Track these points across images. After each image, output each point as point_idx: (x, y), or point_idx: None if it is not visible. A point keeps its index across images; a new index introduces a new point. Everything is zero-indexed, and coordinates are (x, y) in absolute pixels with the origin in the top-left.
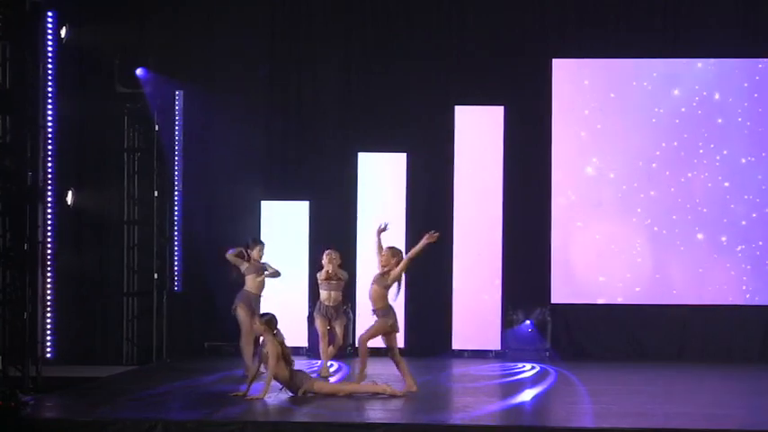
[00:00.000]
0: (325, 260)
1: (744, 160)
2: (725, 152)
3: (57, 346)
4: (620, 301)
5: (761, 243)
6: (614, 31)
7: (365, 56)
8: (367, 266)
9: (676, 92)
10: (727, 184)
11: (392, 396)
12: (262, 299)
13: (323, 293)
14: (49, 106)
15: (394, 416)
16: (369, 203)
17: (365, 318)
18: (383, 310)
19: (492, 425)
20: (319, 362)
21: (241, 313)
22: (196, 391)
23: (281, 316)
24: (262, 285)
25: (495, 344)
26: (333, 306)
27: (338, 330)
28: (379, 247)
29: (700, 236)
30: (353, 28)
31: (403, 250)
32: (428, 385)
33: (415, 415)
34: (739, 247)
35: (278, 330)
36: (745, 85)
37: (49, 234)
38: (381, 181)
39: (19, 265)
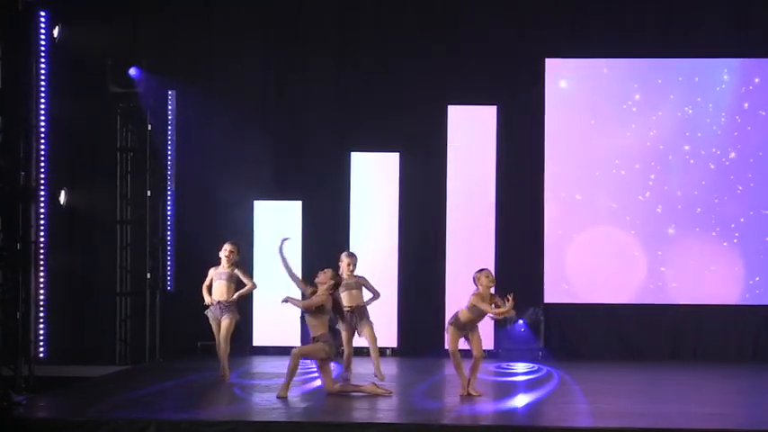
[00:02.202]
0: (342, 264)
1: (738, 160)
2: (718, 152)
3: (49, 346)
4: (613, 300)
5: (753, 242)
6: (607, 31)
7: (358, 55)
8: (361, 266)
9: (669, 91)
10: (720, 184)
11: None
12: (229, 304)
13: (343, 296)
14: (42, 106)
15: (386, 415)
16: (361, 203)
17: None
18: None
19: (484, 425)
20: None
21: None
22: (189, 391)
23: (274, 316)
24: (219, 290)
25: (488, 343)
26: (353, 308)
27: (366, 333)
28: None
29: (692, 236)
30: (346, 28)
31: (396, 252)
32: (421, 385)
33: (407, 415)
34: (732, 247)
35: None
36: (740, 84)
37: (41, 234)
38: (374, 181)
39: (12, 264)
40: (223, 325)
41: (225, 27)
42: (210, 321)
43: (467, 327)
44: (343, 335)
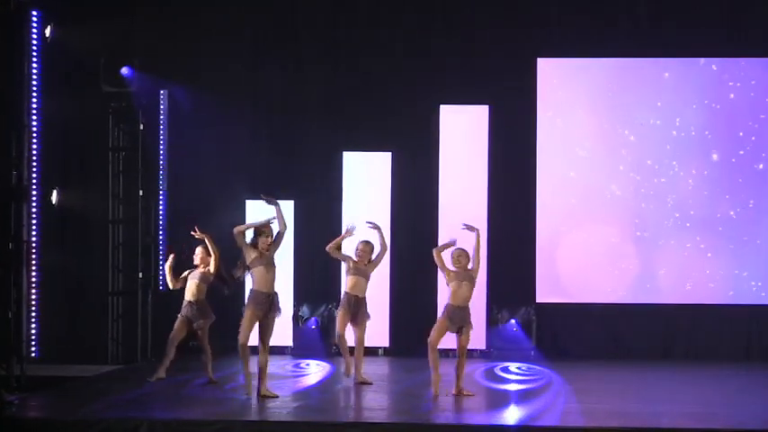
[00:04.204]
0: (358, 251)
1: (728, 159)
2: (711, 151)
3: (41, 345)
4: (605, 300)
5: (745, 242)
6: (599, 30)
7: (350, 55)
8: None
9: (665, 91)
10: (713, 183)
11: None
12: (195, 304)
13: (350, 280)
14: (34, 105)
15: (377, 415)
16: (353, 202)
17: None
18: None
19: (476, 424)
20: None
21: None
22: (181, 391)
23: None
24: (191, 289)
25: (480, 343)
26: (359, 298)
27: (359, 331)
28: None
29: (684, 235)
30: (339, 27)
31: (388, 251)
32: (412, 384)
33: (397, 414)
34: (724, 247)
35: None
36: (738, 84)
37: (33, 233)
38: (366, 180)
39: (4, 264)
40: (202, 331)
41: (218, 26)
42: (183, 321)
43: (458, 314)
44: (340, 319)
